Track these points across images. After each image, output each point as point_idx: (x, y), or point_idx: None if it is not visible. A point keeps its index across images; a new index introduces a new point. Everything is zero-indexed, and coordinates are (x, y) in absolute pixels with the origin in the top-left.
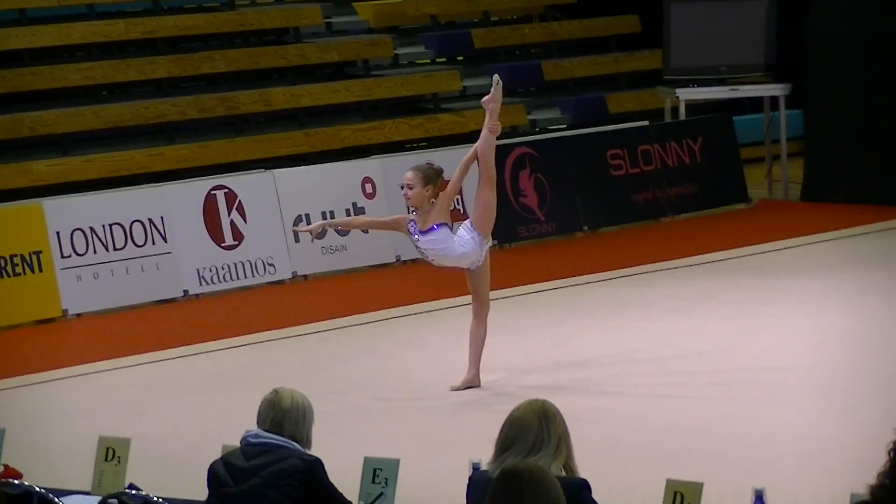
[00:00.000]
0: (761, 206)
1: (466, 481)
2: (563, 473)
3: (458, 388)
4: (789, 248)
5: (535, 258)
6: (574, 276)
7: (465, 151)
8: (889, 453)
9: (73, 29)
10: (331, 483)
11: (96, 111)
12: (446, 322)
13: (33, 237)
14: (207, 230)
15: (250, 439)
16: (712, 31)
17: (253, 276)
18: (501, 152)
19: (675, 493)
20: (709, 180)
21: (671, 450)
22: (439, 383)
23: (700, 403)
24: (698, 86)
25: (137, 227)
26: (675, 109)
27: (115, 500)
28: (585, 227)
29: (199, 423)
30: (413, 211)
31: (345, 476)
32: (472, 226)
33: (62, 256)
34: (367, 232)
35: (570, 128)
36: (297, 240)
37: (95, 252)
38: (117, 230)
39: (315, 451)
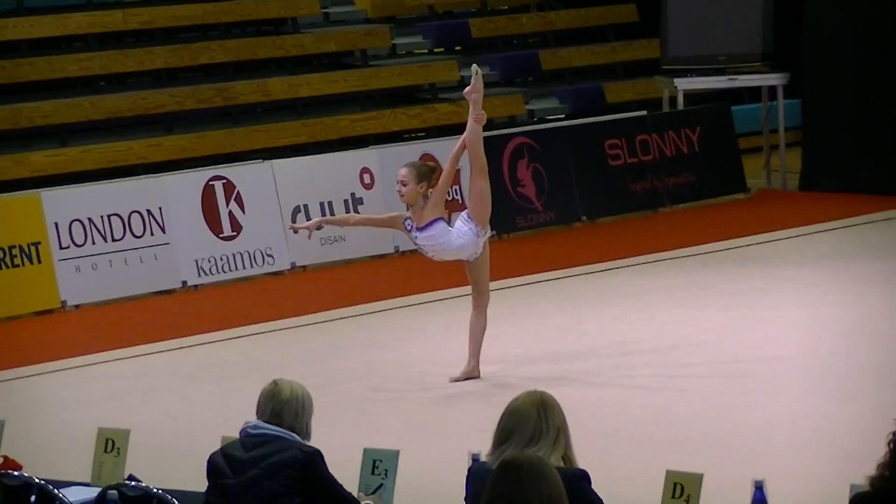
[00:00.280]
0: (759, 196)
1: (466, 472)
2: (563, 464)
3: (457, 380)
4: (787, 238)
5: (534, 248)
6: (572, 266)
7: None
8: (889, 444)
9: (70, 19)
10: (330, 474)
11: (94, 102)
12: (445, 313)
13: (32, 228)
14: (206, 221)
15: (249, 430)
16: (710, 20)
17: (251, 266)
18: (499, 142)
19: (675, 484)
20: (707, 170)
21: (670, 440)
22: (438, 374)
23: (699, 394)
24: (696, 75)
25: (136, 218)
26: (672, 99)
27: (114, 492)
28: (584, 218)
29: (199, 415)
30: (409, 208)
31: (344, 467)
32: (468, 216)
33: (60, 247)
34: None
35: (567, 117)
36: (295, 231)
37: (94, 243)
38: (116, 221)
39: (314, 442)
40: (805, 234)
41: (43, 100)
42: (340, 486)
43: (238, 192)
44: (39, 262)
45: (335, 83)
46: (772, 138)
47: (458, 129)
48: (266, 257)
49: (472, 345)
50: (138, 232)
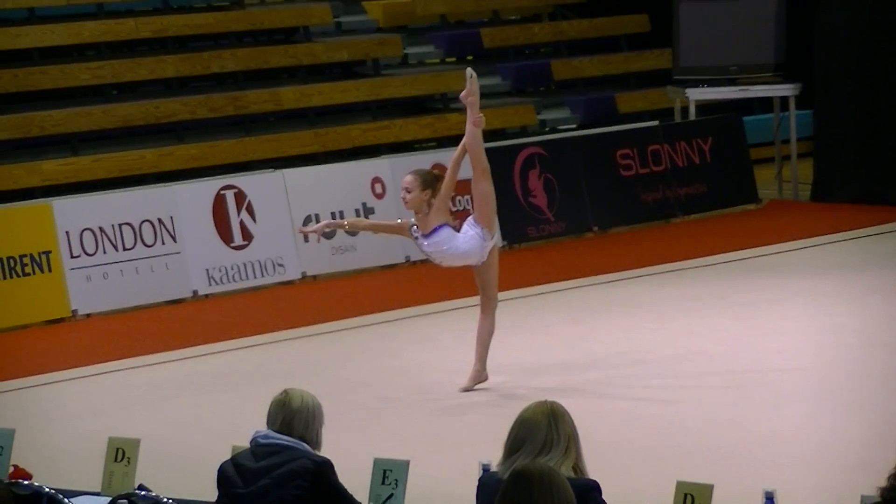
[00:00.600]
0: (771, 207)
1: (476, 482)
2: (573, 474)
3: (467, 388)
4: (799, 248)
5: (545, 258)
6: (583, 276)
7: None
8: None
9: (82, 28)
10: (340, 484)
11: (106, 110)
12: (456, 322)
13: (42, 237)
14: (217, 230)
15: (260, 440)
16: (722, 30)
17: (262, 276)
18: (510, 152)
19: (686, 495)
20: (718, 180)
21: (681, 451)
22: (449, 383)
23: (710, 404)
24: (708, 85)
25: (147, 227)
26: (684, 109)
27: (124, 501)
28: (595, 228)
29: (209, 424)
30: (415, 215)
31: (354, 477)
32: (475, 221)
33: (71, 256)
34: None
35: (579, 127)
36: (306, 240)
37: (105, 252)
38: (127, 230)
39: (325, 451)
40: (817, 245)
41: (54, 108)
42: (351, 496)
43: (249, 201)
44: (50, 270)
45: (347, 92)
46: (783, 149)
47: None
48: (277, 267)
49: (479, 348)
50: (149, 241)
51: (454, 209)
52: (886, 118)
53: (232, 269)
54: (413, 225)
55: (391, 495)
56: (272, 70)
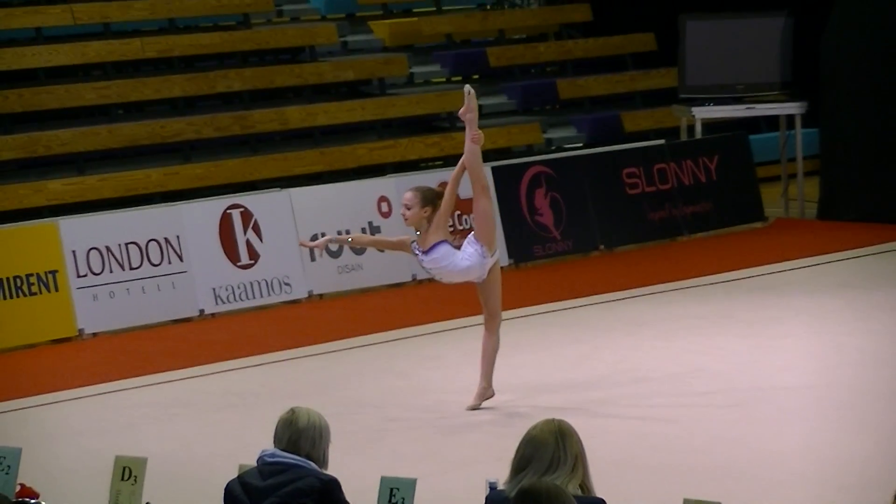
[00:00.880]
0: (777, 225)
1: (483, 500)
2: (580, 492)
3: (474, 407)
4: (805, 266)
5: (551, 277)
6: (590, 294)
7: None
8: None
9: (88, 47)
10: (348, 503)
11: (112, 130)
12: (462, 340)
13: (49, 256)
14: (223, 249)
15: (267, 458)
16: (728, 49)
17: (269, 295)
18: (517, 171)
19: None
20: (725, 199)
21: (686, 469)
22: (455, 402)
23: (716, 422)
24: (714, 104)
25: (153, 246)
26: (690, 128)
27: None
28: (601, 246)
29: (216, 443)
30: (417, 232)
31: (361, 496)
32: (475, 238)
33: (78, 276)
34: (382, 251)
35: (585, 146)
36: (312, 258)
37: (111, 271)
38: (133, 249)
39: (331, 470)
40: (823, 263)
41: (61, 128)
42: None
43: (255, 220)
44: (57, 290)
45: (353, 112)
46: (790, 167)
47: None
48: (283, 286)
49: (484, 366)
50: (156, 260)
51: (459, 227)
52: (893, 136)
53: (238, 288)
54: (414, 241)
55: None
56: (278, 90)
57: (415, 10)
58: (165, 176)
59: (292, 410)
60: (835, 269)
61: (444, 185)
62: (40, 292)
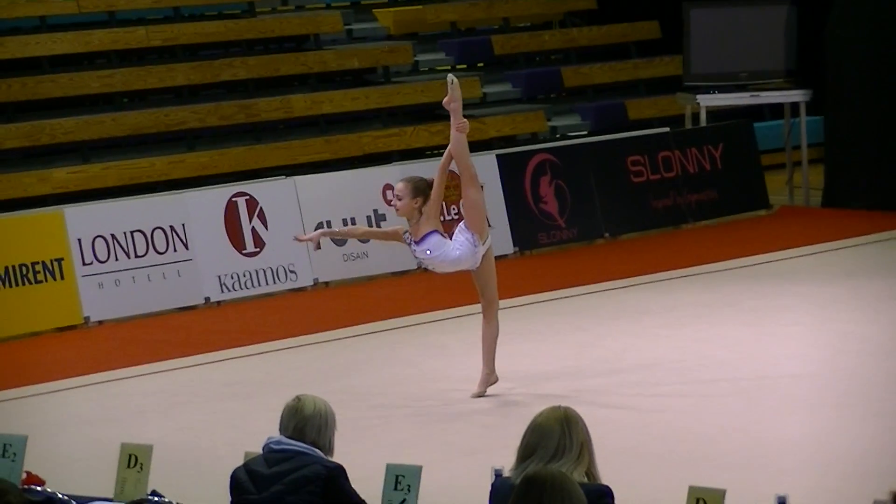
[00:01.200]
0: (782, 213)
1: (489, 488)
2: (586, 480)
3: (479, 394)
4: (810, 254)
5: (556, 265)
6: (594, 282)
7: (485, 158)
8: None
9: (92, 36)
10: (353, 490)
11: (116, 118)
12: (467, 329)
13: (54, 244)
14: (228, 237)
15: (272, 446)
16: (733, 37)
17: (274, 283)
18: (521, 159)
19: (698, 500)
20: (729, 187)
21: (693, 456)
22: (461, 390)
23: (721, 410)
24: (719, 92)
25: (159, 234)
26: (695, 116)
27: None
28: (606, 234)
29: (221, 430)
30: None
31: (367, 483)
32: (465, 227)
33: (83, 263)
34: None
35: (590, 134)
36: (317, 247)
37: (117, 259)
38: (139, 237)
39: (337, 457)
40: (828, 251)
41: (65, 116)
42: (363, 501)
43: (261, 208)
44: (62, 278)
45: (357, 100)
46: (794, 155)
47: (480, 146)
48: (289, 273)
49: (486, 352)
50: (161, 248)
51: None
52: None
53: (244, 275)
54: (406, 231)
55: (403, 501)
56: (283, 78)
57: None
58: (170, 164)
59: (298, 398)
60: (839, 257)
61: (449, 174)
62: (46, 280)
